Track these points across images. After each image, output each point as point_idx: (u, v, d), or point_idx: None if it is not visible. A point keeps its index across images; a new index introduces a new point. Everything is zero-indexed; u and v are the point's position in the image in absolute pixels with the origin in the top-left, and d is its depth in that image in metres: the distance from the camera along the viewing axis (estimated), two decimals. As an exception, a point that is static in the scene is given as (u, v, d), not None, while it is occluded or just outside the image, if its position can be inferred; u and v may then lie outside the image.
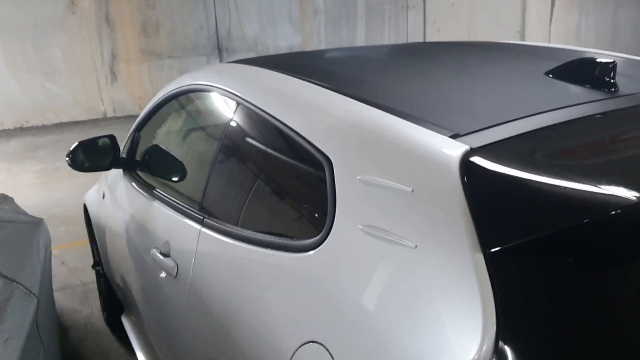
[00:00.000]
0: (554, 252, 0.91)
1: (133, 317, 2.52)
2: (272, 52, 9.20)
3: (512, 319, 0.86)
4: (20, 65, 7.93)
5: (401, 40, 9.94)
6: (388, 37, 9.95)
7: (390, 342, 0.96)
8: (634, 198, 0.92)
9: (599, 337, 0.88)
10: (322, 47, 9.52)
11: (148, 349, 2.25)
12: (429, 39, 9.38)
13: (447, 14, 9.76)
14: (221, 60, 8.87)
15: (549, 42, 10.90)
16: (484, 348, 0.84)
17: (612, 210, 0.91)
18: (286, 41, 9.31)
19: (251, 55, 9.01)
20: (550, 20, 10.84)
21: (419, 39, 9.86)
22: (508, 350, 0.84)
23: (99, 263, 3.02)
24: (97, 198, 2.83)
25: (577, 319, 0.88)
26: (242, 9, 8.95)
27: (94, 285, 3.36)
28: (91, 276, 3.42)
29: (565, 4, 11.14)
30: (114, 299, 2.84)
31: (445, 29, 9.70)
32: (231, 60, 8.43)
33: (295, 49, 9.39)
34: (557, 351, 0.86)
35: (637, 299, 0.91)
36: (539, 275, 0.90)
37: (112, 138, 2.31)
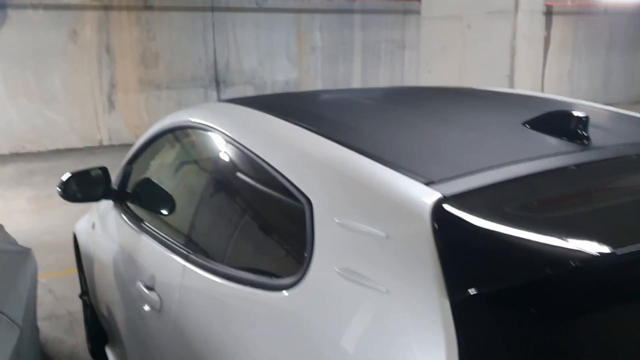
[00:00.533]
0: (519, 303, 0.93)
1: (117, 349, 2.52)
2: (269, 85, 9.34)
3: None
4: (19, 92, 8.03)
5: (396, 78, 10.11)
6: (384, 74, 10.13)
7: (359, 383, 0.98)
8: (602, 252, 0.95)
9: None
10: (319, 82, 9.67)
11: (130, 381, 2.25)
12: (421, 80, 9.57)
13: (438, 56, 9.94)
14: (218, 93, 8.99)
15: (542, 84, 11.09)
16: None
17: (579, 264, 0.93)
18: (284, 75, 9.47)
19: (249, 88, 9.15)
20: (544, 63, 11.06)
21: (413, 77, 10.04)
22: None
23: (86, 293, 3.02)
24: (87, 228, 2.85)
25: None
26: (241, 43, 9.11)
27: (80, 315, 3.35)
28: (78, 305, 3.41)
29: (559, 49, 11.39)
30: (99, 330, 2.83)
31: (436, 71, 9.87)
32: (227, 95, 8.54)
33: (293, 84, 9.53)
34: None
35: (600, 350, 0.94)
36: (504, 324, 0.93)
37: (104, 170, 2.35)
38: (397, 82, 10.19)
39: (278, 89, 9.35)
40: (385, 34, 10.00)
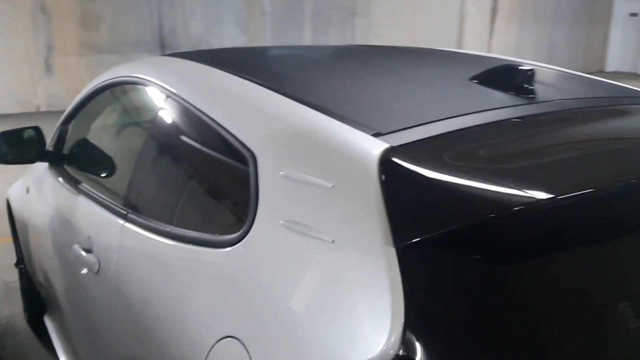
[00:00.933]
0: (461, 247, 0.93)
1: (55, 317, 2.43)
2: (217, 51, 9.12)
3: (419, 311, 0.88)
4: (-53, 53, 7.54)
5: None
6: (334, 41, 10.05)
7: (304, 334, 0.96)
8: (542, 196, 0.96)
9: (503, 329, 0.91)
10: (268, 49, 9.51)
11: (70, 349, 2.17)
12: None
13: (389, 22, 9.97)
14: (164, 58, 8.72)
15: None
16: (392, 339, 0.86)
17: (520, 207, 0.94)
18: (232, 41, 9.25)
19: (195, 54, 8.89)
20: (491, 33, 11.23)
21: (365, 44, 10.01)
22: (415, 340, 0.86)
23: (22, 261, 2.90)
24: (21, 192, 2.71)
25: (482, 311, 0.91)
26: (188, 7, 8.83)
27: (16, 285, 3.21)
28: (14, 275, 3.26)
29: (506, 19, 11.58)
30: (36, 299, 2.72)
31: (387, 36, 9.90)
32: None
33: (241, 50, 9.34)
34: (462, 341, 0.89)
35: (537, 293, 0.95)
36: (448, 269, 0.93)
37: (37, 130, 2.23)
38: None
39: (226, 55, 9.13)
40: (336, 1, 9.89)
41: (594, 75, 1.89)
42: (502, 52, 11.51)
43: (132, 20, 8.49)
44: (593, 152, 1.23)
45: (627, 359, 0.98)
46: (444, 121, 1.20)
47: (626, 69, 13.03)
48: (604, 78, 1.83)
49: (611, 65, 13.29)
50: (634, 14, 12.85)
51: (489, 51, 11.25)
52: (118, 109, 2.23)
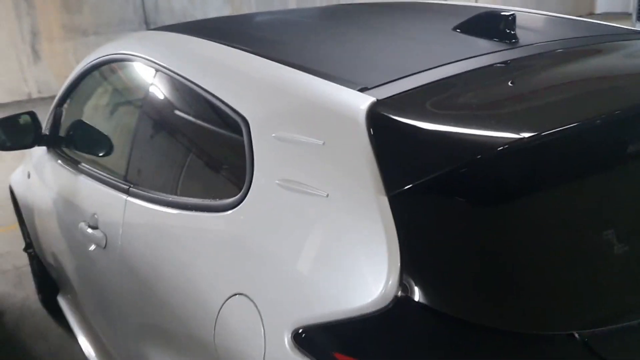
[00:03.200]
0: (450, 191, 0.97)
1: (68, 296, 2.49)
2: (202, 24, 9.01)
3: (414, 254, 0.93)
4: None
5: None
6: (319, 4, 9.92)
7: (307, 286, 1.01)
8: (523, 134, 0.98)
9: (494, 266, 0.96)
10: (254, 17, 9.39)
11: (86, 325, 2.24)
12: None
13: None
14: (150, 35, 8.62)
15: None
16: (390, 282, 0.91)
17: (502, 146, 0.96)
18: (216, 13, 9.13)
19: (181, 28, 8.79)
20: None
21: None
22: (412, 281, 0.91)
23: (31, 245, 2.95)
24: (22, 178, 2.75)
25: (473, 250, 0.96)
26: (169, -19, 8.69)
27: (27, 269, 3.28)
28: (24, 260, 3.33)
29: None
30: (48, 280, 2.79)
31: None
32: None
33: (227, 21, 9.23)
34: (456, 280, 0.94)
35: (525, 229, 1.00)
36: (439, 212, 0.97)
37: (32, 115, 2.25)
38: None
39: (212, 27, 9.02)
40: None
41: (584, 17, 1.90)
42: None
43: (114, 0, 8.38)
44: (576, 90, 1.26)
45: (616, 285, 1.04)
46: (428, 71, 1.22)
47: (617, 9, 12.87)
48: (594, 20, 1.85)
49: (601, 6, 13.13)
50: (623, -47, 12.64)
51: None
52: (109, 88, 2.25)
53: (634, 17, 9.82)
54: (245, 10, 9.33)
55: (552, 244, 1.00)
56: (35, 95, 8.12)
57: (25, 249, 3.10)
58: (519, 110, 1.13)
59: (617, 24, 1.76)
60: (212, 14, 9.10)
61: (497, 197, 0.99)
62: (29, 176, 2.62)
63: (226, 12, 9.21)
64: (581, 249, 1.03)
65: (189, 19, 8.80)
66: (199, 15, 8.99)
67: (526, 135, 0.97)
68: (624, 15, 12.11)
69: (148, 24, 8.67)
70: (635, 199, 1.13)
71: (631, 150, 1.12)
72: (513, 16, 1.43)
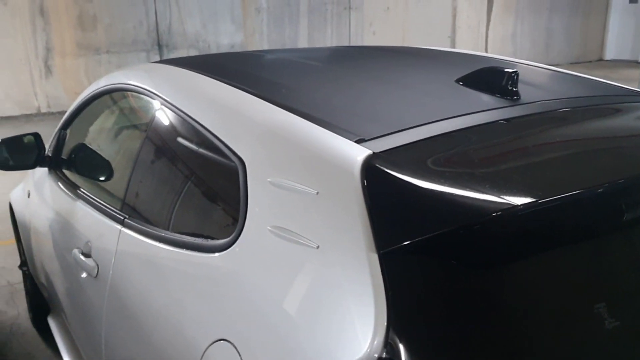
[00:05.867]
0: (443, 252, 0.96)
1: (58, 318, 2.48)
2: (213, 49, 9.13)
3: (402, 315, 0.92)
4: (-53, 57, 7.56)
5: (343, 40, 10.06)
6: (330, 37, 10.04)
7: (290, 337, 1.00)
8: (520, 201, 0.99)
9: (484, 331, 0.95)
10: (265, 45, 9.52)
11: (73, 350, 2.22)
12: (366, 41, 9.57)
13: (382, 18, 9.95)
14: (161, 57, 8.73)
15: (486, 46, 11.27)
16: (375, 342, 0.90)
17: (498, 212, 0.97)
18: (228, 39, 9.25)
19: (192, 52, 8.92)
20: (488, 25, 11.20)
21: (360, 40, 10.00)
22: (398, 343, 0.90)
23: (26, 263, 2.95)
24: (22, 196, 2.76)
25: (463, 314, 0.95)
26: (183, 5, 8.83)
27: (21, 286, 3.27)
28: (18, 277, 3.32)
29: (502, 10, 11.55)
30: (40, 300, 2.77)
31: (380, 32, 9.88)
32: (167, 57, 8.31)
33: (238, 47, 9.35)
34: (444, 344, 0.93)
35: (517, 296, 0.99)
36: (429, 274, 0.96)
37: (36, 136, 2.27)
38: (344, 44, 10.16)
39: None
40: (331, -4, 9.88)
41: (593, 63, 1.92)
42: (498, 43, 11.49)
43: (129, 20, 8.51)
44: (574, 154, 1.26)
45: (607, 357, 1.02)
46: (427, 125, 1.23)
47: (626, 56, 12.98)
48: (603, 66, 1.85)
49: (610, 53, 13.24)
50: (633, 1, 12.79)
51: (485, 43, 11.23)
52: (113, 116, 2.27)
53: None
54: (256, 35, 9.45)
55: (544, 310, 0.99)
56: (44, 109, 8.20)
57: (20, 266, 3.10)
58: (517, 173, 1.12)
59: (625, 71, 1.77)
60: (224, 38, 9.21)
61: (490, 261, 0.98)
62: (29, 195, 2.63)
63: (238, 37, 9.33)
64: (574, 317, 1.02)
65: (200, 43, 8.94)
66: (210, 39, 9.10)
67: (523, 201, 0.97)
68: (632, 64, 12.22)
69: (160, 46, 8.78)
70: (635, 269, 1.12)
71: (631, 218, 1.10)
72: (516, 72, 1.43)
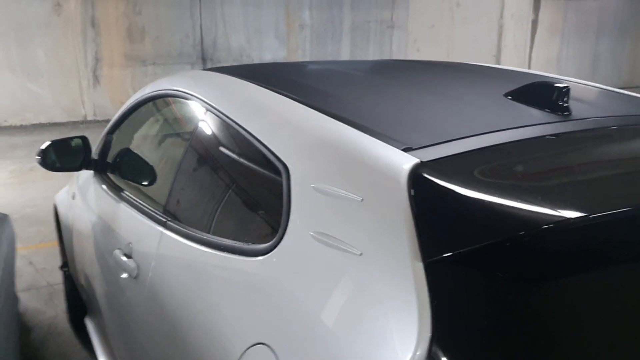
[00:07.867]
0: (489, 264, 0.94)
1: (96, 320, 2.51)
2: (256, 63, 9.26)
3: (446, 325, 0.89)
4: (1, 65, 7.88)
5: (385, 57, 10.09)
6: (372, 54, 10.08)
7: (331, 344, 0.98)
8: (570, 214, 0.96)
9: (529, 346, 0.92)
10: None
11: (108, 351, 2.24)
12: (410, 58, 9.57)
13: (426, 35, 9.94)
14: (205, 69, 8.89)
15: (529, 67, 11.12)
16: (417, 353, 0.87)
17: (547, 225, 0.94)
18: (271, 54, 9.38)
19: (236, 66, 9.04)
20: (532, 46, 11.06)
21: (403, 57, 10.02)
22: (441, 356, 0.87)
23: (66, 264, 3.01)
24: (67, 199, 2.82)
25: (508, 328, 0.92)
26: (229, 20, 9.00)
27: (60, 287, 3.33)
28: (58, 278, 3.39)
29: (547, 32, 11.39)
30: (78, 301, 2.82)
31: (424, 49, 9.87)
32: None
33: (280, 62, 9.46)
34: (488, 356, 0.90)
35: (565, 311, 0.95)
36: (475, 285, 0.94)
37: (84, 139, 2.33)
38: (385, 63, 10.16)
39: (266, 67, 9.24)
40: (375, 14, 9.92)
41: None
42: (542, 65, 11.32)
43: (176, 34, 8.72)
44: (626, 171, 1.22)
45: None
46: (475, 137, 1.21)
47: (674, 82, 12.64)
48: None
49: (658, 79, 12.90)
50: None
51: (528, 65, 11.08)
52: (159, 121, 2.31)
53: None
54: (299, 51, 9.56)
55: (593, 328, 0.95)
56: (90, 117, 8.44)
57: (60, 267, 3.16)
58: (567, 188, 1.09)
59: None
60: (268, 54, 9.35)
61: (537, 275, 0.95)
62: (73, 197, 2.69)
63: (281, 53, 9.45)
64: (624, 337, 0.98)
65: (244, 57, 9.08)
66: (254, 54, 9.24)
67: (573, 215, 0.95)
68: (682, 89, 11.88)
69: (205, 60, 8.96)
70: None
71: None
72: (567, 88, 1.40)
